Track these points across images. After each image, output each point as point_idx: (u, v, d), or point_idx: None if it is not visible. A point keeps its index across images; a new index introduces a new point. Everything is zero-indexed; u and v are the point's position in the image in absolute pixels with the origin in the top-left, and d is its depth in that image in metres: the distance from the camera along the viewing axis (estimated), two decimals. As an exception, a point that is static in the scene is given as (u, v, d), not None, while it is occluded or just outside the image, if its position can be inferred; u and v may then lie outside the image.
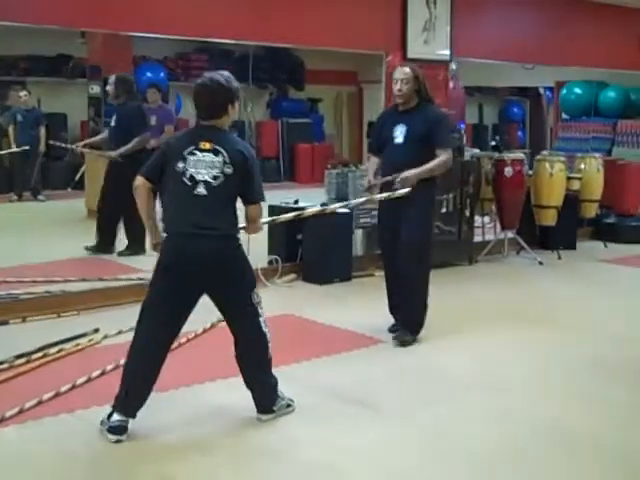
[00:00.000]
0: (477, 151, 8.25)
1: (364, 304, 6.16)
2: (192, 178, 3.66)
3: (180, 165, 3.68)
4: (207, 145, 3.69)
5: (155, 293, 3.77)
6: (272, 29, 6.99)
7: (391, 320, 5.45)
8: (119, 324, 5.36)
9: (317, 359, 4.87)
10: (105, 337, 5.19)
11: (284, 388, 4.05)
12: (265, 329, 3.87)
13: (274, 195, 6.42)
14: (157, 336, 3.78)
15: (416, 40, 7.72)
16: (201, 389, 4.35)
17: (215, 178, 3.67)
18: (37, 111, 10.92)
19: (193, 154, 3.68)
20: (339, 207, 5.75)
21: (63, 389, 4.25)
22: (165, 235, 3.77)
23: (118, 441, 3.64)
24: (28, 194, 10.87)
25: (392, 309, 5.45)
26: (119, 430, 3.65)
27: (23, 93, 10.62)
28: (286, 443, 3.73)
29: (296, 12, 7.04)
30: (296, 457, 3.58)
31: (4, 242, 7.47)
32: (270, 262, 6.88)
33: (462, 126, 7.84)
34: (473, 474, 3.46)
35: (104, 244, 7.47)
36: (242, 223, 3.89)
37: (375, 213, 7.06)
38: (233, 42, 9.60)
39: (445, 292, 6.69)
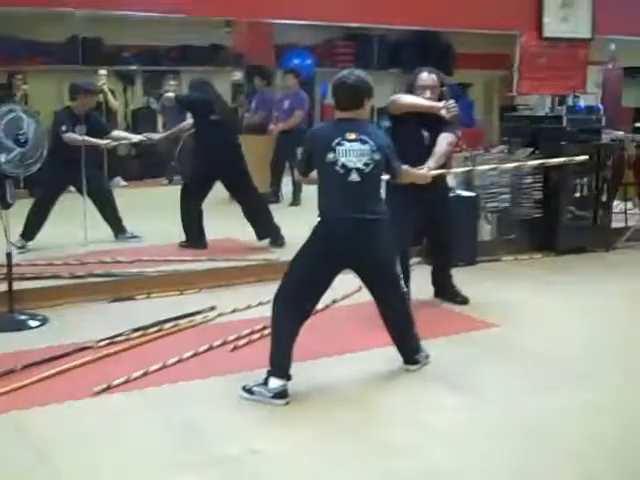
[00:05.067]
0: (621, 134, 7.85)
1: (483, 288, 6.03)
2: (344, 166, 3.94)
3: (330, 156, 3.94)
4: (353, 135, 3.97)
5: (303, 268, 4.02)
6: (405, 12, 6.91)
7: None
8: (236, 302, 5.53)
9: (427, 340, 4.77)
10: (220, 315, 5.35)
11: (391, 367, 4.30)
12: (405, 289, 4.31)
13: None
14: (299, 309, 4.01)
15: (553, 18, 7.41)
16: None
17: (366, 165, 3.96)
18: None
19: (341, 144, 3.95)
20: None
21: (170, 362, 4.42)
22: (320, 219, 4.03)
23: (287, 403, 3.87)
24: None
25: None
26: (284, 394, 3.89)
27: (173, 82, 11.03)
28: (373, 422, 3.72)
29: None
30: (380, 437, 3.57)
31: (156, 222, 7.75)
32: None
33: (599, 108, 7.47)
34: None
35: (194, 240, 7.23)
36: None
37: (504, 197, 6.97)
38: (376, 27, 9.62)
39: (575, 278, 6.44)
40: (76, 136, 6.89)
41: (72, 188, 7.24)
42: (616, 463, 3.36)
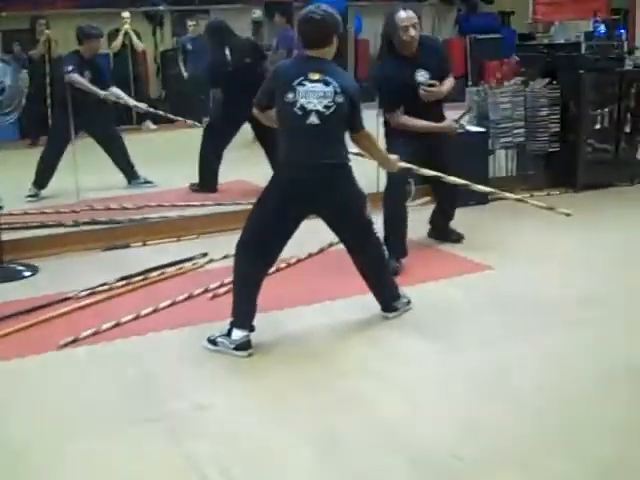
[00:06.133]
0: (648, 59, 7.39)
1: (491, 228, 5.81)
2: (303, 108, 3.71)
3: (290, 96, 3.73)
4: (316, 76, 3.75)
5: (263, 216, 3.85)
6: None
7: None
8: (230, 248, 5.36)
9: (414, 285, 4.60)
10: (210, 261, 5.23)
11: (367, 315, 4.17)
12: (378, 235, 4.12)
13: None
14: (261, 258, 3.89)
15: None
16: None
17: (327, 107, 3.72)
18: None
19: (302, 85, 3.73)
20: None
21: (144, 312, 4.34)
22: (279, 164, 3.90)
23: (250, 355, 3.75)
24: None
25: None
26: (246, 345, 3.77)
27: (192, 22, 10.85)
28: (332, 375, 3.57)
29: None
30: (336, 390, 3.43)
31: (176, 166, 7.63)
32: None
33: (622, 32, 7.02)
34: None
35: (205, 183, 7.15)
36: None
37: (517, 132, 6.65)
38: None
39: (594, 216, 6.10)
40: (78, 78, 6.82)
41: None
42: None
